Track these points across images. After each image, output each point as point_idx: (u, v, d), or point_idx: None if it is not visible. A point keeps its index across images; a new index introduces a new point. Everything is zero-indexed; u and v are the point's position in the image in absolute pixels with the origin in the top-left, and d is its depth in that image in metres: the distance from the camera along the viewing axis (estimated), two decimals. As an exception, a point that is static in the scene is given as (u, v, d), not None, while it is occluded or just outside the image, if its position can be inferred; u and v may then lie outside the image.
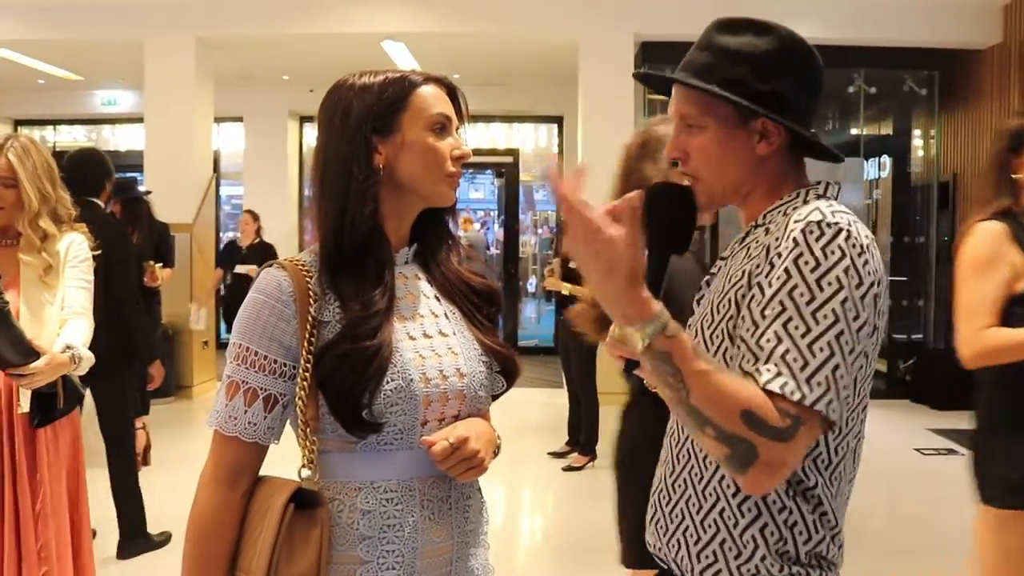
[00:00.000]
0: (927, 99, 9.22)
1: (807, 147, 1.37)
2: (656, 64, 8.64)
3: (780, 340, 1.16)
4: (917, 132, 9.66)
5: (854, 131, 9.37)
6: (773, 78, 1.30)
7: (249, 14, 8.29)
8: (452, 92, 1.50)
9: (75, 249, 2.79)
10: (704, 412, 1.15)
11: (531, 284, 13.51)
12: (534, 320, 13.36)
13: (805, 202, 1.31)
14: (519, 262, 12.44)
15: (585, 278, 1.19)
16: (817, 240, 1.19)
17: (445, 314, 1.49)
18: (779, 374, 1.15)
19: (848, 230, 1.20)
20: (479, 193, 14.51)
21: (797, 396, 1.14)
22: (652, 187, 1.38)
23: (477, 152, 11.62)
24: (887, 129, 9.99)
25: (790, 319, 1.17)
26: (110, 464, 4.36)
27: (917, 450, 6.71)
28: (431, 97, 1.45)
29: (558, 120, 11.63)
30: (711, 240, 9.02)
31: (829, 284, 1.17)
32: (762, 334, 1.18)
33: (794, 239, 1.20)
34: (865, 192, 9.54)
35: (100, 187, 4.30)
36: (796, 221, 1.22)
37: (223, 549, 1.36)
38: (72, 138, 12.43)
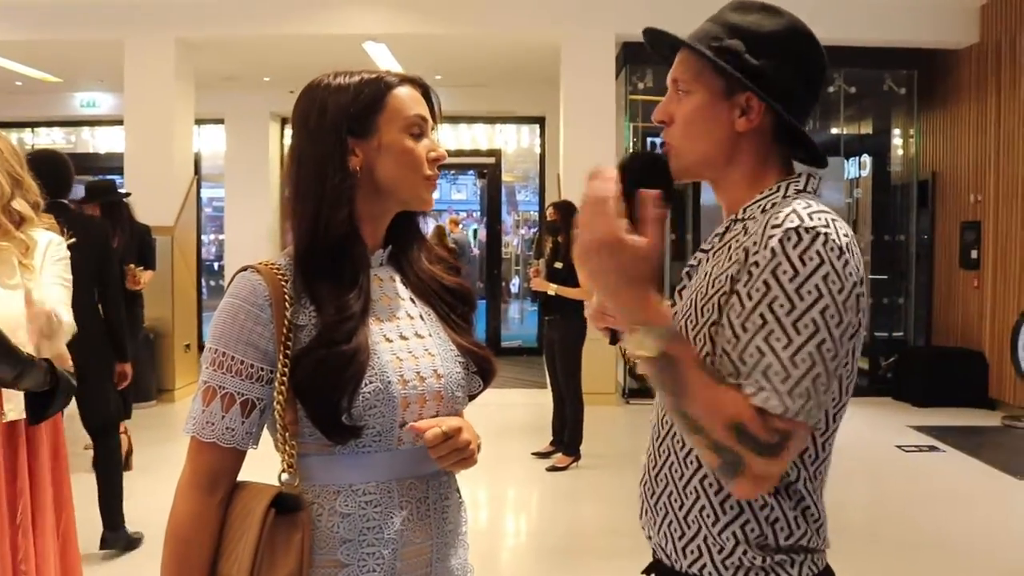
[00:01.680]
0: (906, 98, 9.29)
1: (793, 141, 1.37)
2: (637, 65, 8.68)
3: (763, 354, 1.17)
4: (897, 131, 9.73)
5: (834, 130, 9.42)
6: (767, 56, 1.30)
7: (229, 15, 8.25)
8: (426, 93, 1.49)
9: (53, 249, 2.77)
10: (698, 420, 1.18)
11: (514, 285, 13.51)
12: (517, 321, 13.36)
13: (784, 197, 1.30)
14: (502, 263, 12.44)
15: (597, 284, 1.22)
16: (795, 248, 1.18)
17: (420, 315, 1.49)
18: (761, 388, 1.16)
19: (825, 233, 1.19)
20: (461, 194, 14.50)
21: (780, 410, 1.15)
22: (626, 157, 1.40)
23: (459, 153, 11.63)
24: (867, 128, 10.05)
25: (771, 332, 1.17)
26: (96, 456, 4.38)
27: (899, 447, 6.75)
28: (407, 99, 1.44)
29: (540, 121, 11.65)
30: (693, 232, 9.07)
31: (809, 293, 1.16)
32: (744, 348, 1.19)
33: (772, 249, 1.19)
34: (845, 191, 9.60)
35: (68, 187, 4.24)
36: (774, 227, 1.21)
37: (202, 555, 1.35)
38: (51, 140, 12.33)
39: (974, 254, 8.34)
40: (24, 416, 2.63)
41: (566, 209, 6.16)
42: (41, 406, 2.51)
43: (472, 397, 1.53)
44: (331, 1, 8.19)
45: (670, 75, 1.39)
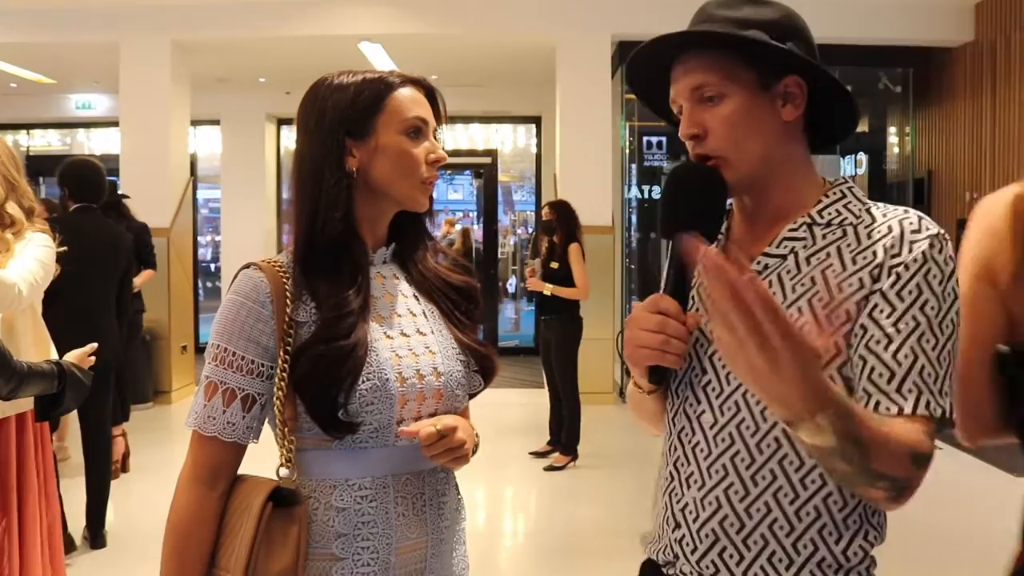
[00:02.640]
0: (902, 97, 9.31)
1: (819, 125, 1.33)
2: (632, 66, 8.67)
3: (916, 356, 1.17)
4: (892, 129, 9.75)
5: (830, 129, 9.43)
6: (788, 39, 1.26)
7: (225, 17, 8.24)
8: (431, 94, 1.49)
9: (39, 239, 2.78)
10: (884, 471, 1.11)
11: (511, 284, 13.51)
12: (514, 321, 13.36)
13: (860, 200, 1.28)
14: (498, 263, 12.44)
15: (743, 372, 1.03)
16: (939, 253, 1.21)
17: (423, 313, 1.49)
18: (920, 393, 1.16)
19: (946, 236, 1.23)
20: (458, 194, 14.49)
21: (939, 412, 1.16)
22: (676, 168, 1.32)
23: (456, 153, 11.62)
24: (863, 126, 10.06)
25: (923, 333, 1.18)
26: (90, 464, 4.40)
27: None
28: (407, 100, 1.44)
29: (536, 120, 11.65)
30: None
31: (949, 294, 1.20)
32: (898, 349, 1.18)
33: (922, 253, 1.20)
34: (842, 189, 9.61)
35: (96, 192, 4.50)
36: (914, 232, 1.21)
37: (202, 548, 1.37)
38: (46, 142, 12.32)
39: (970, 252, 8.34)
40: (6, 415, 2.64)
41: (561, 208, 6.16)
42: (49, 404, 2.48)
43: (472, 395, 1.53)
44: (326, 2, 8.19)
45: (687, 84, 1.28)
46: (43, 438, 2.84)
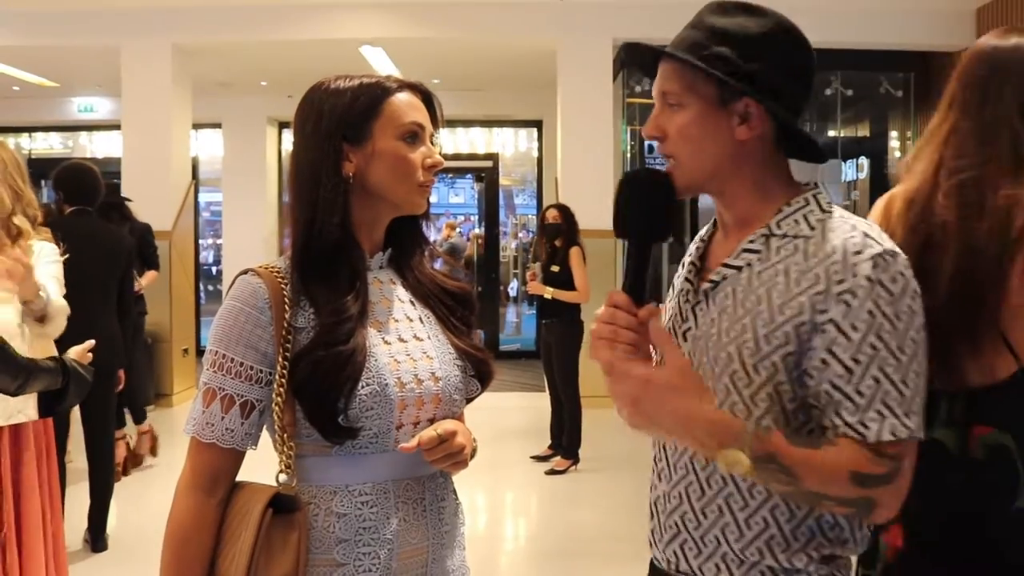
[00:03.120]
0: (903, 101, 9.29)
1: (792, 143, 1.35)
2: (634, 69, 8.68)
3: (879, 383, 1.18)
4: (894, 133, 9.74)
5: (832, 133, 9.44)
6: (759, 59, 1.27)
7: (226, 21, 8.25)
8: (427, 98, 1.49)
9: (47, 253, 2.82)
10: (819, 490, 1.19)
11: (512, 288, 13.50)
12: (515, 324, 13.35)
13: (823, 211, 1.29)
14: (499, 266, 12.44)
15: (655, 430, 1.28)
16: (884, 272, 1.20)
17: (420, 318, 1.49)
18: (884, 418, 1.18)
19: (895, 252, 1.22)
20: (459, 197, 14.49)
21: (905, 434, 1.18)
22: (628, 173, 1.38)
23: (457, 156, 11.63)
24: (864, 131, 10.07)
25: (884, 359, 1.18)
26: (93, 467, 4.44)
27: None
28: (404, 105, 1.44)
29: (537, 124, 11.65)
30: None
31: (904, 313, 1.20)
32: (861, 379, 1.19)
33: (867, 277, 1.19)
34: (843, 193, 9.61)
35: (90, 195, 4.54)
36: (856, 254, 1.21)
37: (202, 555, 1.36)
38: (48, 145, 12.33)
39: (971, 256, 8.33)
40: (6, 423, 2.65)
41: (566, 212, 6.16)
42: (54, 399, 2.49)
43: (470, 400, 1.53)
44: (328, 5, 8.19)
45: (656, 88, 1.34)
46: (48, 447, 2.84)
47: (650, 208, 1.33)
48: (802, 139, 1.33)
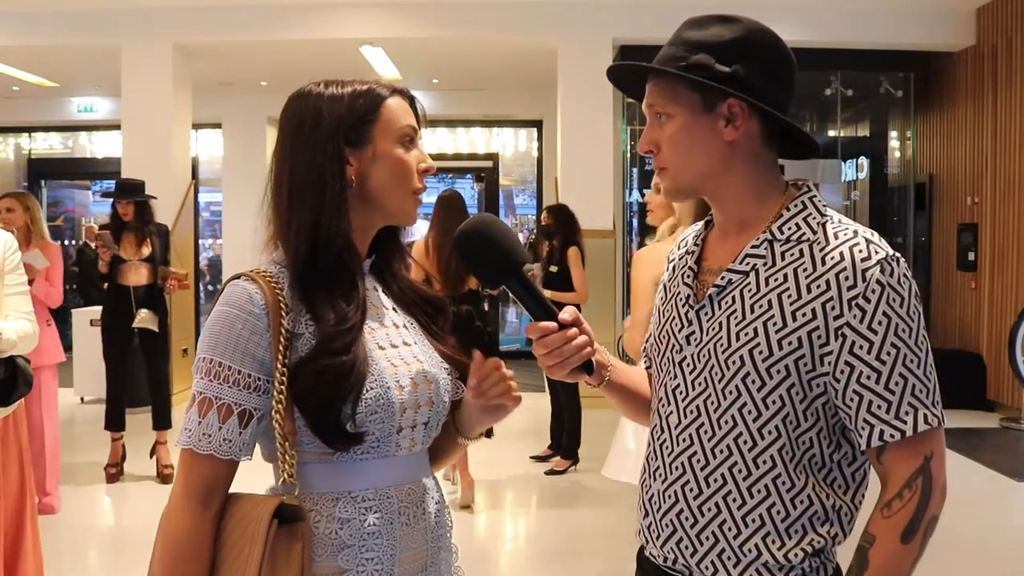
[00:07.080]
0: (903, 101, 9.30)
1: (783, 142, 1.39)
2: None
3: (906, 379, 1.27)
4: (894, 134, 9.74)
5: (831, 133, 9.44)
6: (735, 62, 1.32)
7: (226, 20, 8.25)
8: (412, 103, 1.49)
9: (9, 255, 2.88)
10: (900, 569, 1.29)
11: (512, 288, 13.50)
12: (516, 325, 13.35)
13: (822, 214, 1.35)
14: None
15: None
16: (892, 275, 1.27)
17: (404, 325, 1.50)
18: (916, 409, 1.27)
19: (897, 255, 1.29)
20: (459, 197, 14.49)
21: (935, 422, 1.28)
22: (455, 235, 1.41)
23: (457, 156, 11.64)
24: (864, 131, 10.07)
25: (905, 356, 1.26)
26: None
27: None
28: (399, 109, 1.44)
29: (537, 124, 11.66)
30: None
31: (914, 312, 1.28)
32: (888, 378, 1.27)
33: (878, 281, 1.26)
34: (843, 193, 9.61)
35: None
36: (864, 260, 1.27)
37: (201, 570, 1.31)
38: (48, 145, 12.32)
39: (971, 256, 8.35)
40: None
41: (560, 213, 6.16)
42: (5, 393, 2.75)
43: (455, 402, 1.55)
44: (328, 5, 8.19)
45: (645, 102, 1.40)
46: (17, 431, 3.02)
47: (503, 245, 1.39)
48: (793, 132, 1.38)
